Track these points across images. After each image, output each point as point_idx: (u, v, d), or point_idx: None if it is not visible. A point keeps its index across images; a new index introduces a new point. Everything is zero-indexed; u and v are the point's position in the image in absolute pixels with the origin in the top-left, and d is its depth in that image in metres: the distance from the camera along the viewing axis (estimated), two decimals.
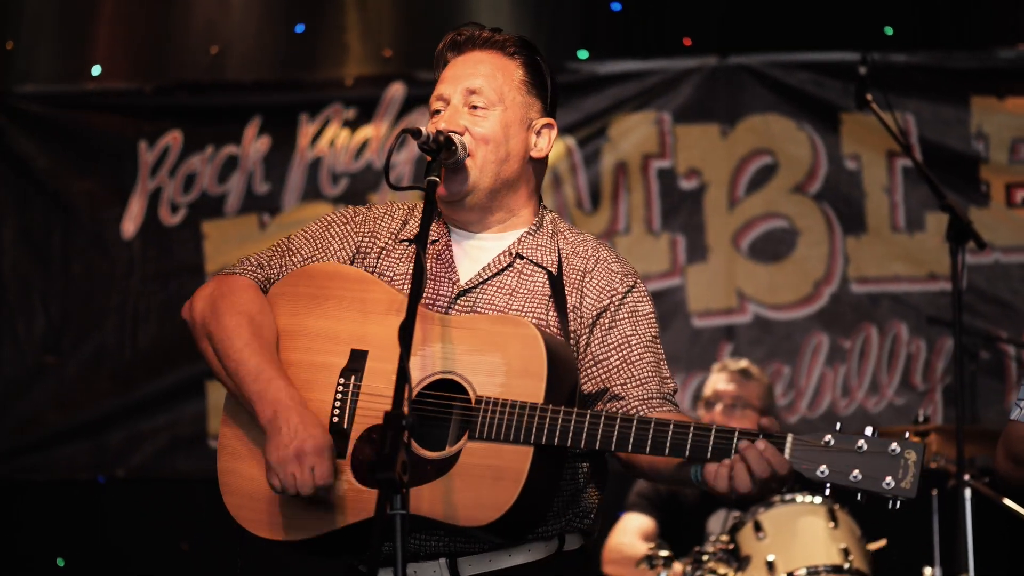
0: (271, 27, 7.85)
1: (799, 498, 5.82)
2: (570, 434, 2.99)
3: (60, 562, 7.66)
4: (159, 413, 7.65)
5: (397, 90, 7.65)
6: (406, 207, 3.46)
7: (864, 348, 7.38)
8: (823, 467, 2.81)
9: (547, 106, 3.40)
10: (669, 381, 3.27)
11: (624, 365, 3.22)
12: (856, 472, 2.79)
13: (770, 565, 5.64)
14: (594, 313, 3.25)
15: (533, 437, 2.99)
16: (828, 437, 2.82)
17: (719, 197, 7.51)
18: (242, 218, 7.73)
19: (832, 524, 5.73)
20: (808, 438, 2.84)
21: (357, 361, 3.18)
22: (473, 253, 3.34)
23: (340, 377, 3.19)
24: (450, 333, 3.13)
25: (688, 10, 7.63)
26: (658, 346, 3.29)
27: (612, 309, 3.25)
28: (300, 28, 7.77)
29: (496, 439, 3.01)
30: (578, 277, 3.28)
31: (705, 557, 5.73)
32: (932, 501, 5.90)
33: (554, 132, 3.41)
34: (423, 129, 3.21)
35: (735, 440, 2.92)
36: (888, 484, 2.77)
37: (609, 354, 3.23)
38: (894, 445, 2.78)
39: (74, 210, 7.79)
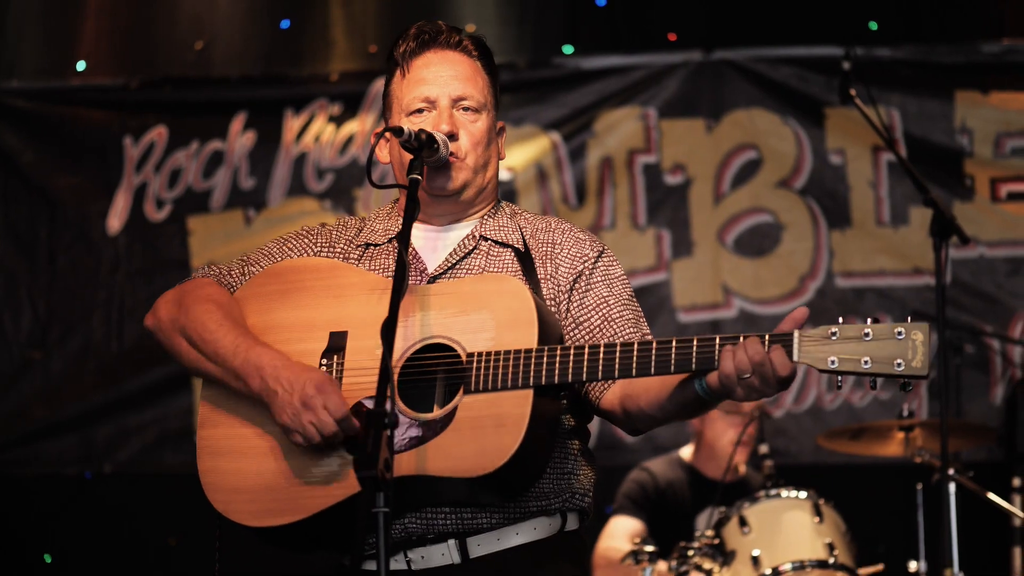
0: (256, 22, 7.85)
1: (784, 493, 5.83)
2: (569, 369, 3.02)
3: (47, 558, 7.66)
4: (146, 408, 7.64)
5: (382, 85, 7.63)
6: (359, 218, 3.50)
7: None
8: (832, 358, 2.87)
9: (498, 107, 3.49)
10: (649, 337, 3.30)
11: (605, 324, 3.28)
12: (866, 358, 2.85)
13: (755, 560, 5.65)
14: (571, 279, 3.31)
15: (532, 379, 3.02)
16: (833, 329, 2.88)
17: (704, 192, 7.52)
18: (228, 213, 7.73)
19: (817, 519, 5.74)
20: (813, 333, 2.90)
21: (337, 341, 3.19)
22: (436, 244, 3.38)
23: (322, 358, 3.19)
24: (430, 300, 3.16)
25: (673, 5, 7.65)
26: (636, 305, 3.36)
27: (586, 273, 3.32)
28: (285, 23, 7.76)
29: (494, 388, 3.03)
30: (547, 250, 3.34)
31: (691, 552, 5.74)
32: (917, 495, 5.92)
33: (505, 134, 3.51)
34: (405, 128, 3.22)
35: (716, 348, 3.06)
36: (899, 365, 2.82)
37: (590, 315, 3.29)
38: (899, 328, 2.84)
39: (60, 205, 7.78)
